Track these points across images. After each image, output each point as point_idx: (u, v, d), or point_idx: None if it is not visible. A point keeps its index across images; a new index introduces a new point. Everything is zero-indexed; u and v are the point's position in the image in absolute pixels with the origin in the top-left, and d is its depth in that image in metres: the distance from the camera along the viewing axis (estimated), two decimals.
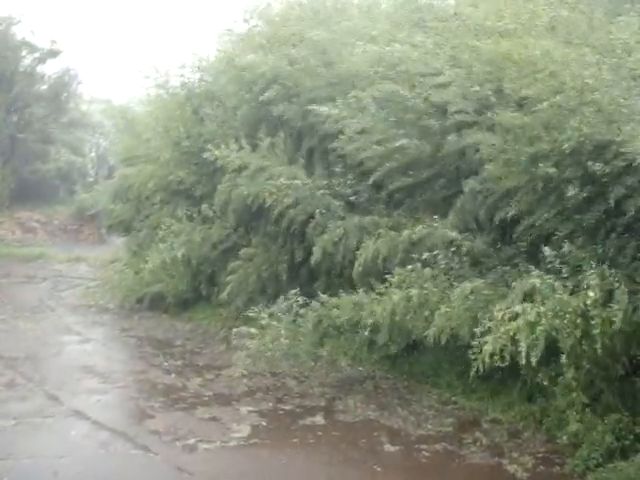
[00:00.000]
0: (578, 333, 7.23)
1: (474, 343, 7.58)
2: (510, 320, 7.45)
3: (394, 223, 10.22)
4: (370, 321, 8.98)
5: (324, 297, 9.64)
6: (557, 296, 7.44)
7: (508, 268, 8.74)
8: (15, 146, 27.98)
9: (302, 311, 9.74)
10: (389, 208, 10.88)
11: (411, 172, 10.26)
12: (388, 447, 8.11)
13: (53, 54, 28.65)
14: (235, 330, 10.56)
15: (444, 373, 9.82)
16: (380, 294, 8.98)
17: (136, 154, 16.96)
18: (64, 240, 26.95)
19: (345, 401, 9.45)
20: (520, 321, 7.35)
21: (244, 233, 13.52)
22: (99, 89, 37.15)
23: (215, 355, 11.77)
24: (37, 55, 28.52)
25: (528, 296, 7.72)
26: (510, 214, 8.83)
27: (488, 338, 7.42)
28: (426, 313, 8.58)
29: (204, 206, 13.85)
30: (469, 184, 9.48)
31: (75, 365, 11.13)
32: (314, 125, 11.78)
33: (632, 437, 7.37)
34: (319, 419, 8.94)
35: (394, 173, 10.38)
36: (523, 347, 7.18)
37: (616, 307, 7.18)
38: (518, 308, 7.51)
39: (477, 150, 9.22)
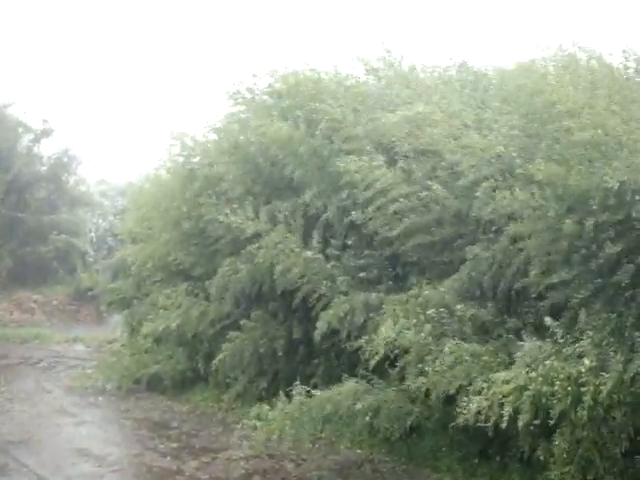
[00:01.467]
0: (568, 400, 7.19)
1: (464, 399, 7.74)
2: (503, 384, 7.56)
3: (403, 298, 10.13)
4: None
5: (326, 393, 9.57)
6: (547, 362, 7.49)
7: (512, 336, 8.70)
8: (14, 226, 28.15)
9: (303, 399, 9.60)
10: (400, 281, 10.90)
11: (431, 230, 10.28)
12: None
13: (46, 134, 29.09)
14: (239, 425, 10.36)
15: (444, 457, 9.68)
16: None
17: (136, 234, 17.08)
18: (62, 320, 26.85)
19: None
20: (511, 385, 7.45)
21: (244, 311, 13.48)
22: (98, 169, 37.48)
23: (212, 437, 11.63)
24: (32, 136, 28.98)
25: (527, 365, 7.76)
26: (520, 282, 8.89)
27: (477, 397, 7.60)
28: (420, 366, 8.67)
29: (207, 282, 13.85)
30: (473, 250, 9.55)
31: (70, 448, 10.99)
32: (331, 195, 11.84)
33: None
34: None
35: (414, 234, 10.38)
36: (508, 410, 7.30)
37: (607, 375, 7.14)
38: (511, 373, 7.60)
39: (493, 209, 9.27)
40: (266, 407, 9.65)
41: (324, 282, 11.08)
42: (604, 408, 7.15)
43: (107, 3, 55.54)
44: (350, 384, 9.52)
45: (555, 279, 8.53)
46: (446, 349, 8.54)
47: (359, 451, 10.55)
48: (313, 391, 9.60)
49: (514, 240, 9.10)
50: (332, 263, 11.28)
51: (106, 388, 15.36)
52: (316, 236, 11.86)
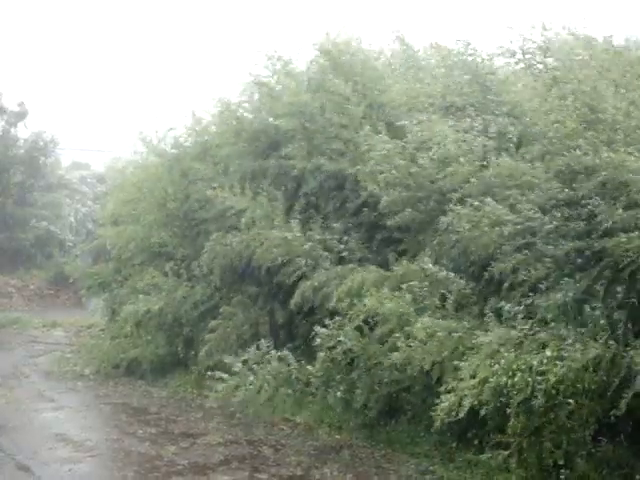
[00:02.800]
0: (528, 390, 7.39)
1: (437, 401, 8.01)
2: (470, 378, 7.83)
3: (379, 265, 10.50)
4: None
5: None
6: (508, 355, 7.75)
7: (492, 314, 8.82)
8: None
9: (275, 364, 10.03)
10: (380, 255, 11.09)
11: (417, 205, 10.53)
12: None
13: (21, 116, 28.82)
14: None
15: (422, 442, 9.71)
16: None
17: (117, 217, 16.93)
18: (41, 305, 26.71)
19: (322, 470, 9.31)
20: (476, 379, 7.75)
21: (226, 294, 13.49)
22: (77, 154, 37.17)
23: (191, 423, 11.60)
24: (6, 118, 28.69)
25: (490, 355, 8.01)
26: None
27: (447, 396, 7.90)
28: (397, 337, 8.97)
29: (193, 263, 13.84)
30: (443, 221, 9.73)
31: (48, 433, 10.93)
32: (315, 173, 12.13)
33: None
34: None
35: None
36: (469, 402, 7.66)
37: (565, 363, 7.38)
38: (474, 363, 7.95)
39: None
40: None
41: (305, 260, 11.27)
42: (567, 395, 7.35)
43: None
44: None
45: (513, 262, 8.80)
46: (418, 324, 8.73)
47: (338, 436, 10.56)
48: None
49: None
50: (312, 243, 11.44)
51: (85, 373, 15.30)
52: (297, 212, 12.10)
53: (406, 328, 9.00)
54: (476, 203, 9.16)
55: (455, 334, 8.59)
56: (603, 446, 7.79)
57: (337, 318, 9.96)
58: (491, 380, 7.62)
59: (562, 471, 7.58)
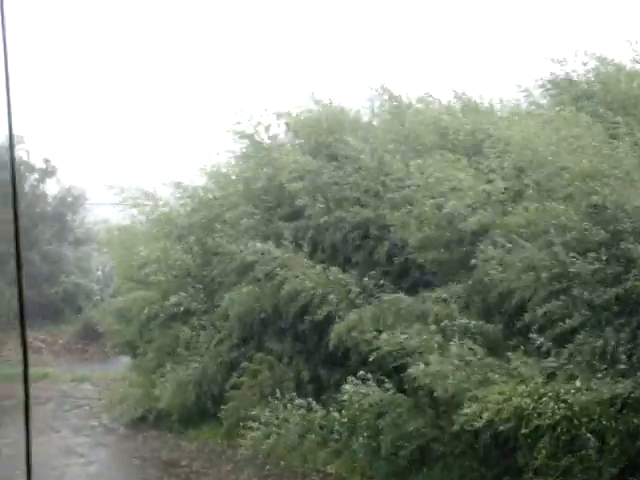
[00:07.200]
0: (556, 417, 7.54)
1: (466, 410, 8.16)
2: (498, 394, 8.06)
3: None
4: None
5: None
6: (535, 381, 8.00)
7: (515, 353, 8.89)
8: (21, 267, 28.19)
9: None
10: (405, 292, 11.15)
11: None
12: None
13: (49, 174, 29.23)
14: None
15: None
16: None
17: (134, 278, 17.09)
18: (69, 360, 26.78)
19: None
20: (503, 395, 7.98)
21: (248, 349, 13.51)
22: (103, 208, 37.51)
23: (222, 475, 11.54)
24: (36, 176, 29.11)
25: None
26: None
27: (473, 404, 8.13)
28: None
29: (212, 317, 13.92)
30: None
31: None
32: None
33: None
34: None
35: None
36: (487, 415, 7.87)
37: (590, 393, 7.53)
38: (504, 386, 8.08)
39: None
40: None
41: (332, 297, 11.37)
42: (594, 431, 7.38)
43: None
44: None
45: (546, 308, 8.85)
46: (452, 349, 8.81)
47: None
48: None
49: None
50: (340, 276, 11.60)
51: (114, 427, 15.28)
52: (320, 254, 12.24)
53: (430, 357, 9.10)
54: (508, 245, 9.17)
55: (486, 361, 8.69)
56: None
57: (361, 373, 10.02)
58: (513, 399, 7.77)
59: None
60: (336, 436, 10.73)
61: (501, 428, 7.89)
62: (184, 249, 15.06)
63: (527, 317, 9.06)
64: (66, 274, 28.89)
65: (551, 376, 8.16)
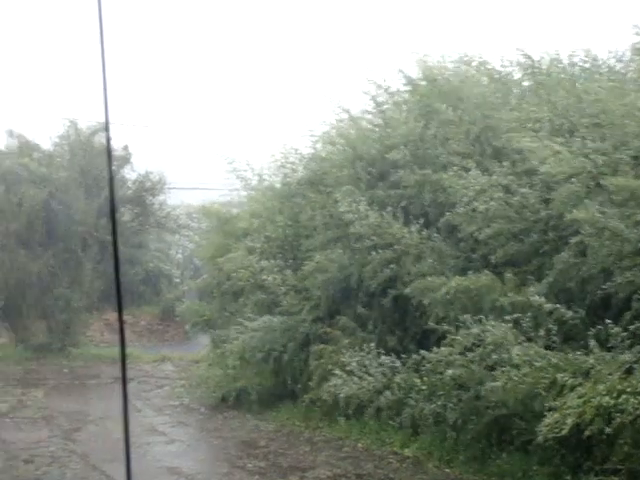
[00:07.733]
0: (633, 412, 7.33)
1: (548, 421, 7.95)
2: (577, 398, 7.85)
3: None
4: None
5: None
6: (611, 377, 7.75)
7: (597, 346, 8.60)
8: (104, 250, 28.87)
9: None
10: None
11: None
12: None
13: (127, 160, 29.78)
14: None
15: (535, 475, 9.44)
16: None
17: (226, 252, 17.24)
18: (150, 340, 27.40)
19: None
20: (582, 399, 7.74)
21: (330, 316, 13.60)
22: (184, 192, 38.10)
23: (300, 456, 11.60)
24: (115, 162, 29.69)
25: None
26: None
27: (551, 413, 7.95)
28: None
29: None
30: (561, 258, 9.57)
31: (161, 466, 11.14)
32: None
33: None
34: None
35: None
36: (572, 421, 7.66)
37: None
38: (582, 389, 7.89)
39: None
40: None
41: (427, 261, 11.39)
42: None
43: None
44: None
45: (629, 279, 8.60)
46: (514, 353, 8.67)
47: (447, 470, 10.37)
48: None
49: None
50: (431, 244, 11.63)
51: (194, 407, 15.55)
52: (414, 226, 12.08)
53: (504, 355, 8.98)
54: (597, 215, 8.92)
55: (553, 361, 8.51)
56: None
57: (442, 348, 9.93)
58: (593, 400, 7.57)
59: None
60: (412, 402, 10.81)
61: (587, 433, 7.70)
62: (285, 216, 15.28)
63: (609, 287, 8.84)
64: (147, 257, 29.49)
65: (629, 370, 7.90)
